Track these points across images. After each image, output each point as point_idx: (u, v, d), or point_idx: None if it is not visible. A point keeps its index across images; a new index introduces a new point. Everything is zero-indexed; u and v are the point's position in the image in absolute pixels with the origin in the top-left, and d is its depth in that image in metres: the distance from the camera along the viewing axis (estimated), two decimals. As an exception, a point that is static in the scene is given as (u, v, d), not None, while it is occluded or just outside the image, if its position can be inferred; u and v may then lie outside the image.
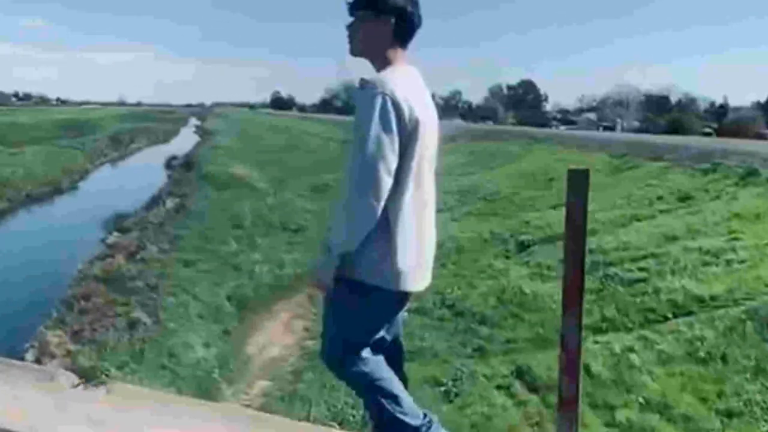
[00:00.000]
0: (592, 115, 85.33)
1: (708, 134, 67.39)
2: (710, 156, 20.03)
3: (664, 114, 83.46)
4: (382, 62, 2.48)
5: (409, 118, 2.32)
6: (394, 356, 2.89)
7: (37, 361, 10.74)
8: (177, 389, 9.58)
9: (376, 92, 2.29)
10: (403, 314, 2.88)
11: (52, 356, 10.99)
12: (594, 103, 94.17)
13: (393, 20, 2.44)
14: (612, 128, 72.05)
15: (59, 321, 12.77)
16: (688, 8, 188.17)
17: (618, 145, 27.23)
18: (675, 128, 68.14)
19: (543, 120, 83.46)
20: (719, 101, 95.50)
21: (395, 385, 2.75)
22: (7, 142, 40.24)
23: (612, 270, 13.29)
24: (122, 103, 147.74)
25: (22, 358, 10.68)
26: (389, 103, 2.27)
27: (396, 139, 2.29)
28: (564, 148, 29.26)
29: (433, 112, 2.54)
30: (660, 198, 17.40)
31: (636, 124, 79.33)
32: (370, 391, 2.72)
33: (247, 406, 9.68)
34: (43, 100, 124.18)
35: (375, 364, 2.69)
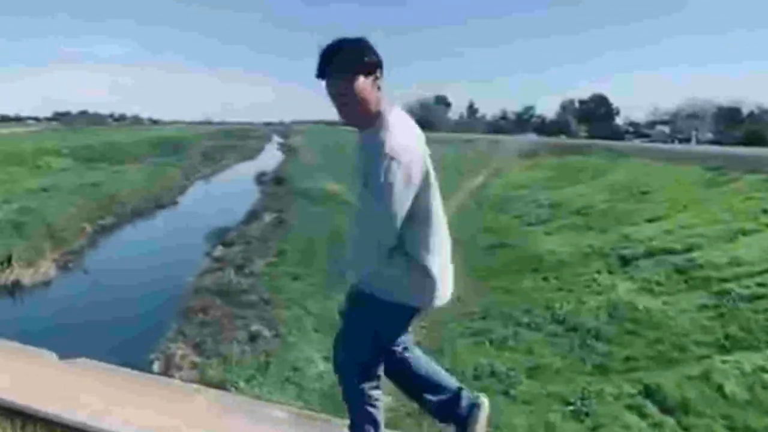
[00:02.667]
0: (665, 128, 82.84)
1: (786, 145, 64.61)
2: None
3: (737, 125, 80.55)
4: (375, 115, 2.48)
5: (417, 164, 2.43)
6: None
7: (165, 372, 10.76)
8: (304, 402, 9.42)
9: (391, 162, 2.35)
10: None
11: (179, 368, 10.97)
12: (666, 117, 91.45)
13: (373, 73, 2.46)
14: (687, 140, 69.67)
15: (180, 333, 12.80)
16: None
17: (707, 157, 26.10)
18: (750, 139, 65.55)
19: (615, 133, 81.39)
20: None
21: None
22: (109, 159, 41.41)
23: (727, 286, 12.59)
24: (208, 122, 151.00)
25: (149, 370, 10.74)
26: (401, 168, 2.36)
27: (411, 193, 2.42)
28: (652, 161, 28.27)
29: (421, 136, 2.63)
30: (765, 211, 16.50)
31: (710, 135, 76.71)
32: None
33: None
34: (137, 121, 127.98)
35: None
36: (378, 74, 2.46)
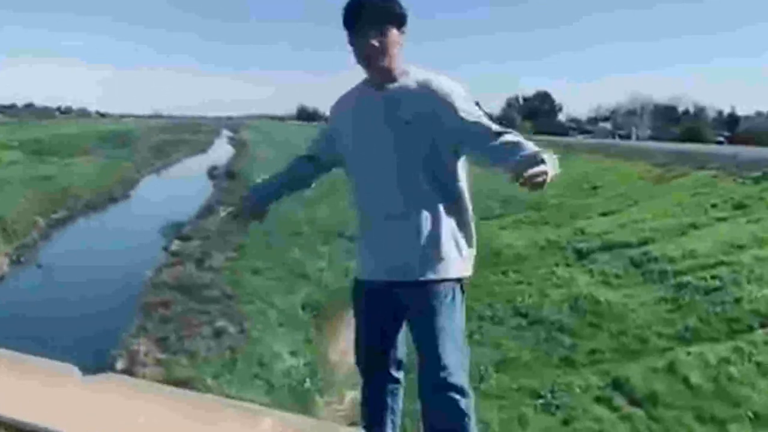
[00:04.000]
0: (607, 125, 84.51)
1: (720, 142, 66.48)
2: (757, 164, 19.38)
3: (675, 123, 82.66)
4: (398, 70, 2.37)
5: None
6: None
7: (128, 370, 10.34)
8: (273, 400, 9.14)
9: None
10: None
11: (143, 365, 10.56)
12: (607, 113, 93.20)
13: (404, 28, 2.36)
14: (628, 137, 71.15)
15: (141, 329, 12.34)
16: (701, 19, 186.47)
17: (654, 153, 26.54)
18: (688, 136, 67.29)
19: (559, 129, 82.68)
20: (726, 110, 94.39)
21: None
22: (59, 152, 40.11)
23: (684, 279, 12.71)
24: (158, 116, 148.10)
25: (111, 366, 10.31)
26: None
27: None
28: (600, 157, 28.65)
29: None
30: (714, 206, 16.78)
31: (648, 132, 78.52)
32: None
33: (344, 416, 9.24)
34: (85, 114, 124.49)
35: None
36: (405, 29, 2.34)
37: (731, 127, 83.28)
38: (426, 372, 2.36)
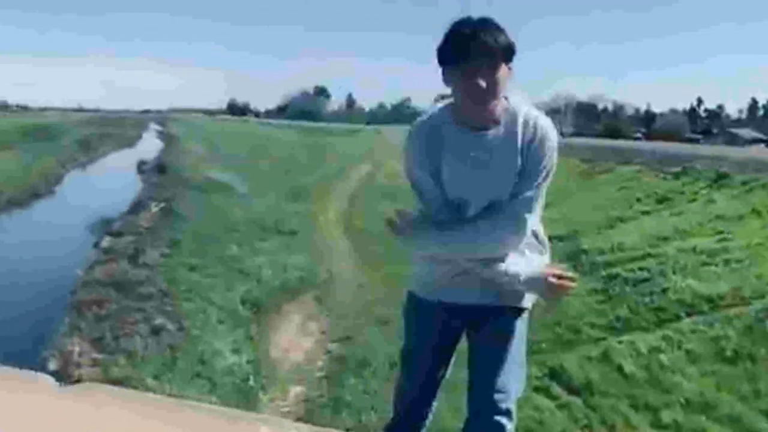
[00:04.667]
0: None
1: (639, 138, 68.74)
2: (678, 160, 20.12)
3: (595, 120, 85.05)
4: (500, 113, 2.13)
5: None
6: None
7: (63, 370, 10.01)
8: (217, 398, 9.00)
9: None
10: None
11: (78, 366, 10.21)
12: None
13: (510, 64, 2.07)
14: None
15: (74, 328, 11.93)
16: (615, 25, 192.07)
17: (581, 149, 27.22)
18: (608, 133, 69.34)
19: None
20: (643, 108, 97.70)
21: None
22: (-24, 147, 38.32)
23: (613, 271, 13.12)
24: (81, 109, 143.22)
25: (43, 367, 9.94)
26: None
27: None
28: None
29: None
30: (639, 200, 17.38)
31: (572, 129, 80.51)
32: None
33: (289, 413, 9.17)
34: (4, 106, 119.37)
35: None
36: (512, 65, 2.07)
37: (648, 123, 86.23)
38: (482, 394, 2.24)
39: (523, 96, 2.19)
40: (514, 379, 2.26)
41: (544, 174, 2.11)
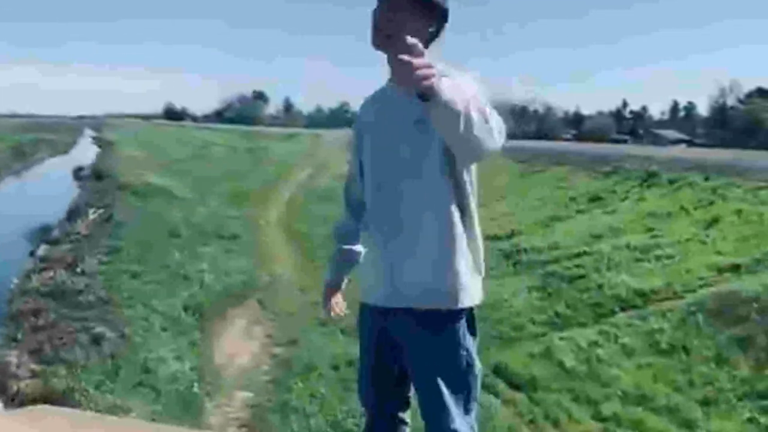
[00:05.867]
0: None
1: (569, 139, 70.22)
2: (608, 160, 20.54)
3: (527, 121, 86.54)
4: None
5: None
6: None
7: (1, 384, 9.55)
8: (162, 407, 8.71)
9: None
10: None
11: (17, 378, 9.74)
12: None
13: (432, 19, 1.90)
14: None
15: (11, 339, 11.40)
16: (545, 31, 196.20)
17: (515, 150, 27.57)
18: (541, 134, 70.67)
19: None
20: (572, 110, 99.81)
21: None
22: None
23: (550, 268, 13.27)
24: (14, 115, 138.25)
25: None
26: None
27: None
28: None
29: None
30: (573, 199, 17.66)
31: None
32: None
33: (235, 419, 8.94)
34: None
35: None
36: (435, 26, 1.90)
37: (577, 125, 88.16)
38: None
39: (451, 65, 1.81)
40: (457, 412, 1.90)
41: None
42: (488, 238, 16.14)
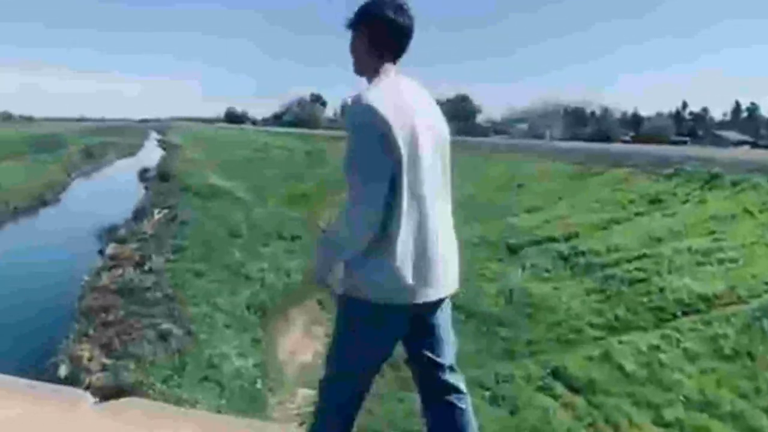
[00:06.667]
0: (524, 126, 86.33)
1: (627, 141, 68.82)
2: (668, 162, 20.02)
3: (584, 124, 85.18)
4: (372, 76, 2.26)
5: (391, 129, 2.07)
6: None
7: (73, 375, 9.86)
8: (226, 401, 8.88)
9: (355, 110, 2.12)
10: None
11: (88, 371, 10.05)
12: (521, 115, 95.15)
13: (372, 33, 2.24)
14: (542, 137, 72.83)
15: (83, 334, 11.77)
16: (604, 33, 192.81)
17: (572, 152, 27.21)
18: (598, 137, 69.42)
19: (477, 130, 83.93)
20: (630, 112, 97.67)
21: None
22: (-17, 157, 38.09)
23: (609, 271, 13.01)
24: (83, 119, 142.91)
25: (54, 373, 9.83)
26: (368, 119, 2.05)
27: (378, 149, 2.07)
28: (524, 156, 29.13)
29: (432, 120, 2.31)
30: (632, 201, 17.26)
31: (560, 133, 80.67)
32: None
33: (297, 414, 9.04)
34: (8, 117, 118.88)
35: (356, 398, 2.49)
36: (375, 37, 2.22)
37: (635, 127, 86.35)
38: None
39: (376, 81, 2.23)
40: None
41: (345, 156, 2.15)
42: (544, 240, 16.02)
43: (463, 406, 2.44)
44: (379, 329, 2.26)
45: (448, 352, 2.43)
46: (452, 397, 2.42)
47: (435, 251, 2.28)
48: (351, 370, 2.38)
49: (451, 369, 2.45)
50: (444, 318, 2.42)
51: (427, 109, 2.30)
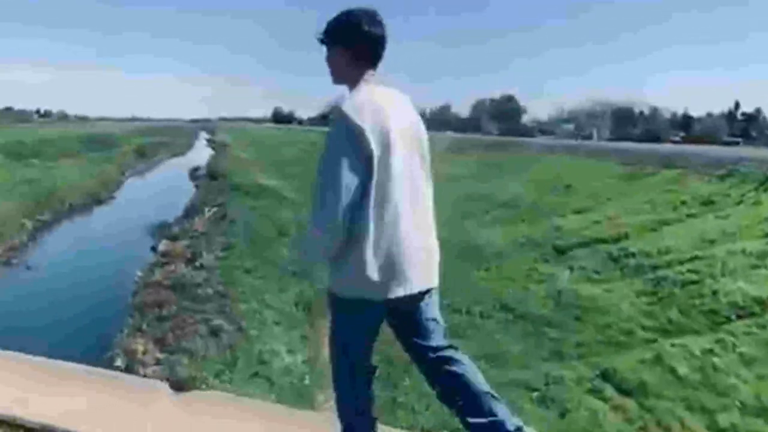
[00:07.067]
0: (570, 126, 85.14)
1: (677, 142, 67.37)
2: (721, 163, 19.55)
3: (632, 124, 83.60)
4: (354, 84, 2.37)
5: (369, 135, 2.18)
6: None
7: (128, 369, 10.06)
8: (276, 397, 8.95)
9: (334, 117, 2.23)
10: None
11: (143, 364, 10.26)
12: (565, 115, 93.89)
13: (352, 47, 2.36)
14: (589, 137, 71.76)
15: (136, 328, 12.01)
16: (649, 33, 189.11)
17: (622, 153, 26.75)
18: (647, 137, 68.09)
19: (523, 130, 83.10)
20: (680, 112, 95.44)
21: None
22: (41, 156, 39.08)
23: (661, 273, 12.76)
24: (135, 119, 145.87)
25: (110, 366, 10.02)
26: (344, 125, 2.18)
27: (352, 156, 2.17)
28: (570, 157, 28.75)
29: (410, 124, 2.39)
30: (684, 203, 16.89)
31: (608, 133, 79.37)
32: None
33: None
34: (64, 117, 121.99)
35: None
36: (356, 49, 2.36)
37: (685, 127, 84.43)
38: None
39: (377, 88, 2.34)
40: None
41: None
42: (593, 242, 15.78)
43: (460, 371, 2.54)
44: (356, 321, 2.43)
45: (437, 333, 2.55)
46: (450, 366, 2.54)
47: (408, 250, 2.32)
48: (346, 359, 2.55)
49: (440, 346, 2.57)
50: (428, 306, 2.52)
51: (402, 113, 2.38)
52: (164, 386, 3.05)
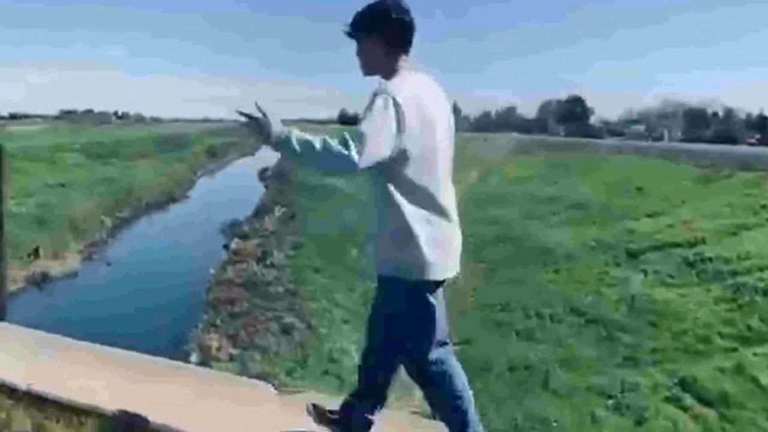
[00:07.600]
0: (640, 127, 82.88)
1: (753, 144, 64.80)
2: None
3: (705, 125, 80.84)
4: (389, 73, 2.33)
5: (414, 117, 2.15)
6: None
7: (203, 364, 10.25)
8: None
9: (380, 95, 2.15)
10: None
11: (217, 360, 10.45)
12: (635, 116, 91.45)
13: (384, 35, 2.33)
14: (660, 139, 69.74)
15: (211, 324, 12.26)
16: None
17: (695, 154, 25.85)
18: (721, 138, 65.69)
19: (591, 132, 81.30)
20: (755, 112, 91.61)
21: None
22: (119, 155, 40.41)
23: (740, 279, 12.23)
24: (206, 120, 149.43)
25: (186, 360, 10.21)
26: (391, 103, 2.12)
27: (394, 129, 2.12)
28: (643, 159, 27.97)
29: (445, 111, 2.37)
30: (764, 207, 16.16)
31: (680, 134, 76.98)
32: None
33: (415, 413, 9.00)
34: (140, 119, 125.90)
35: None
36: (389, 37, 2.32)
37: (762, 128, 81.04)
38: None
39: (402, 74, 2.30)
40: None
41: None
42: (667, 245, 15.26)
43: (452, 372, 2.51)
44: (419, 305, 2.32)
45: (444, 328, 2.47)
46: (444, 366, 2.50)
47: (449, 233, 2.34)
48: (400, 343, 2.43)
49: (442, 343, 2.49)
50: (442, 297, 2.45)
51: (439, 101, 2.38)
52: (269, 387, 3.06)
